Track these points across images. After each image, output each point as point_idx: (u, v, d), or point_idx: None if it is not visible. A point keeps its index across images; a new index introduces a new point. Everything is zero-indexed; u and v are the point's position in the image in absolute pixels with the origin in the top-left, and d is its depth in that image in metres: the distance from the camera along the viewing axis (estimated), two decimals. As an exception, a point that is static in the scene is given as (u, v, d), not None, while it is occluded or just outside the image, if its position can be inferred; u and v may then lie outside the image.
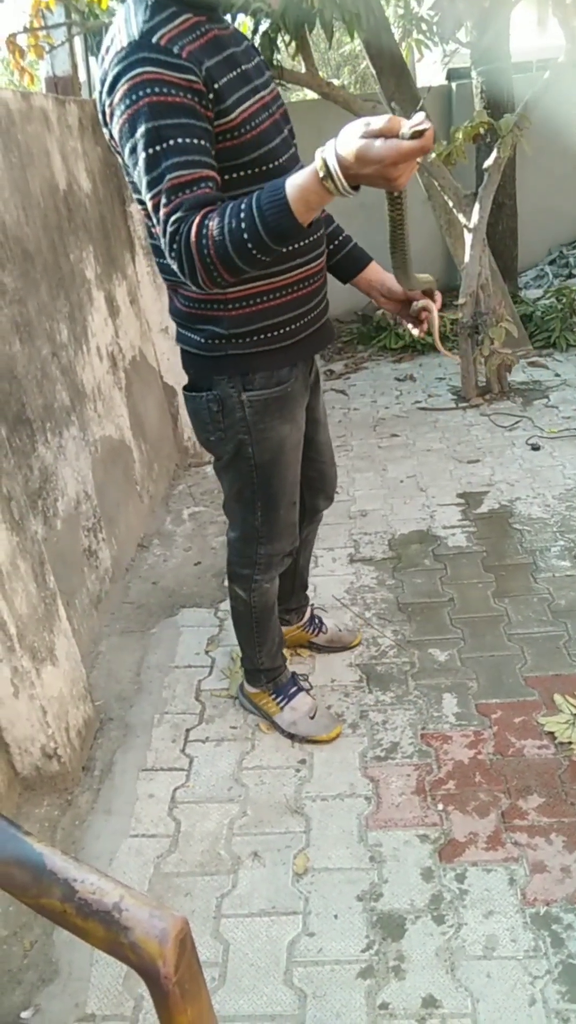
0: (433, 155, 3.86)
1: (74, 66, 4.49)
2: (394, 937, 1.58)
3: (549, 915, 1.59)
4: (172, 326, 3.83)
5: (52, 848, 0.96)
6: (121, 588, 2.95)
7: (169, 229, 1.32)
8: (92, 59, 5.70)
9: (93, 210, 3.13)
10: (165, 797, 1.98)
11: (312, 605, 2.48)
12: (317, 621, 2.44)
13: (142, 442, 3.45)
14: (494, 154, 3.90)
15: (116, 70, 1.35)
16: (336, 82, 4.43)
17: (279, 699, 2.15)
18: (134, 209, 3.60)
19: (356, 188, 1.19)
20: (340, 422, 4.45)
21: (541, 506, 3.21)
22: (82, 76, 5.06)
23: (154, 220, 1.37)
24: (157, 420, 3.76)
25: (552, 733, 2.03)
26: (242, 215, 1.24)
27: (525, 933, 1.56)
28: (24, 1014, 1.50)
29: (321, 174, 1.17)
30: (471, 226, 4.12)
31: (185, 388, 1.76)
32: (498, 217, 5.46)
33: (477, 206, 4.08)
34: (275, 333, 1.62)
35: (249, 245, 1.26)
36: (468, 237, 4.17)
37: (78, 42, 4.98)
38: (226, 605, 2.78)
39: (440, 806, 1.87)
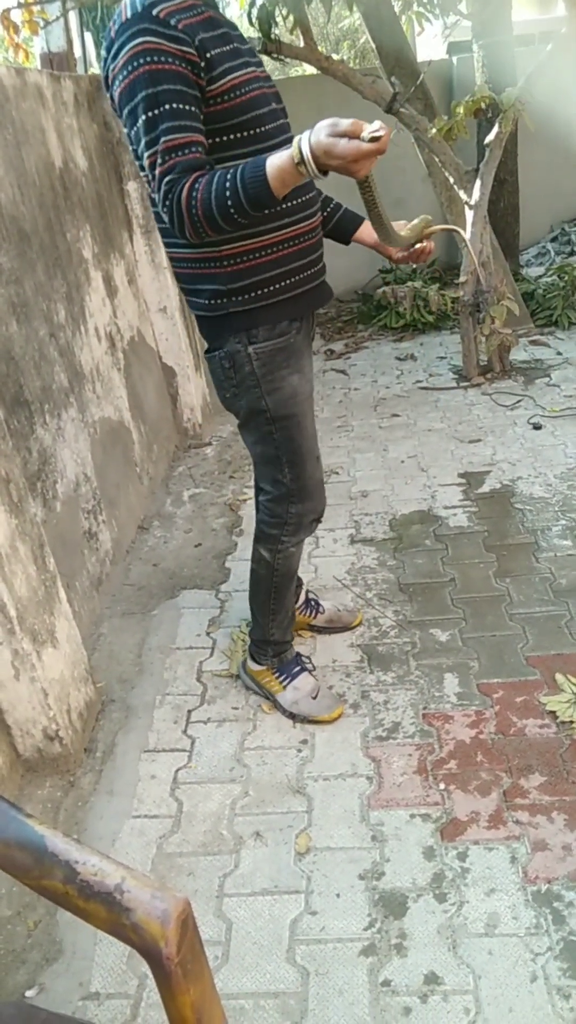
0: (434, 130, 3.81)
1: (69, 42, 4.43)
2: (396, 915, 1.59)
3: (550, 893, 1.59)
4: (170, 306, 3.82)
5: (53, 830, 0.96)
6: (122, 570, 2.95)
7: (164, 187, 1.51)
8: (87, 34, 5.63)
9: (90, 188, 3.10)
10: (167, 778, 1.99)
11: (307, 588, 2.47)
12: (313, 603, 2.44)
13: (141, 423, 3.44)
14: (495, 129, 3.85)
15: (120, 39, 1.53)
16: (335, 57, 4.36)
17: (282, 678, 2.16)
18: (131, 187, 3.57)
19: (325, 173, 1.40)
20: (340, 402, 4.43)
21: (543, 485, 3.20)
22: (77, 52, 5.00)
23: (150, 175, 1.55)
24: (156, 401, 3.74)
25: (554, 712, 2.03)
26: (227, 184, 1.45)
27: (526, 911, 1.56)
28: (29, 993, 1.51)
29: (296, 159, 1.39)
30: (472, 203, 4.08)
31: (205, 352, 1.91)
32: (499, 194, 5.40)
33: (478, 182, 4.03)
34: (271, 288, 1.74)
35: (231, 209, 1.47)
36: (469, 214, 4.12)
37: (73, 17, 4.91)
38: (227, 586, 2.78)
39: (442, 785, 1.87)
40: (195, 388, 4.02)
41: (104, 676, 2.38)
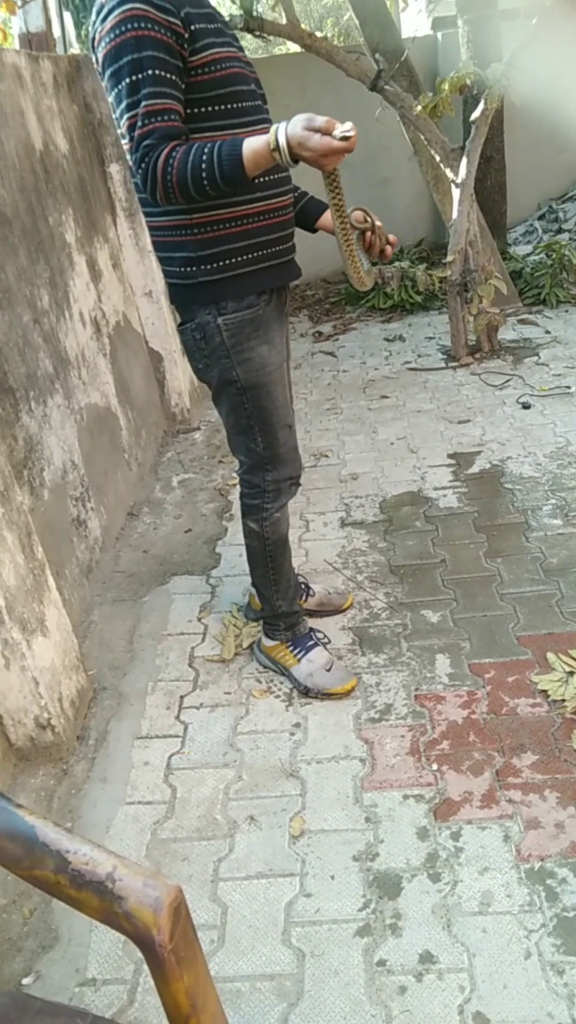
0: (419, 107, 3.77)
1: (48, 21, 4.35)
2: (390, 896, 1.60)
3: (543, 870, 1.60)
4: (156, 290, 3.78)
5: (44, 820, 0.95)
6: (111, 557, 2.94)
7: (141, 151, 1.58)
8: (66, 14, 5.54)
9: (71, 171, 3.05)
10: (160, 764, 1.99)
11: (297, 572, 2.47)
12: (303, 586, 2.44)
13: (128, 409, 3.41)
14: (481, 106, 3.82)
15: (111, 2, 1.57)
16: (318, 34, 4.30)
17: (296, 651, 2.19)
18: (114, 170, 3.52)
19: (296, 162, 1.51)
20: (329, 384, 4.41)
21: (532, 465, 3.20)
22: (56, 32, 4.92)
23: (127, 137, 1.61)
24: (143, 386, 3.71)
25: (545, 691, 2.04)
26: (203, 157, 1.54)
27: (520, 888, 1.57)
28: (25, 981, 1.51)
29: (272, 146, 1.50)
30: (459, 181, 4.05)
31: (178, 326, 1.98)
32: (486, 172, 5.36)
33: (465, 160, 4.00)
34: (238, 259, 1.79)
35: (204, 182, 1.56)
36: (456, 192, 4.10)
37: (51, -4, 4.82)
38: (217, 571, 2.77)
39: (434, 766, 1.87)
40: (182, 373, 3.99)
41: (95, 663, 2.38)
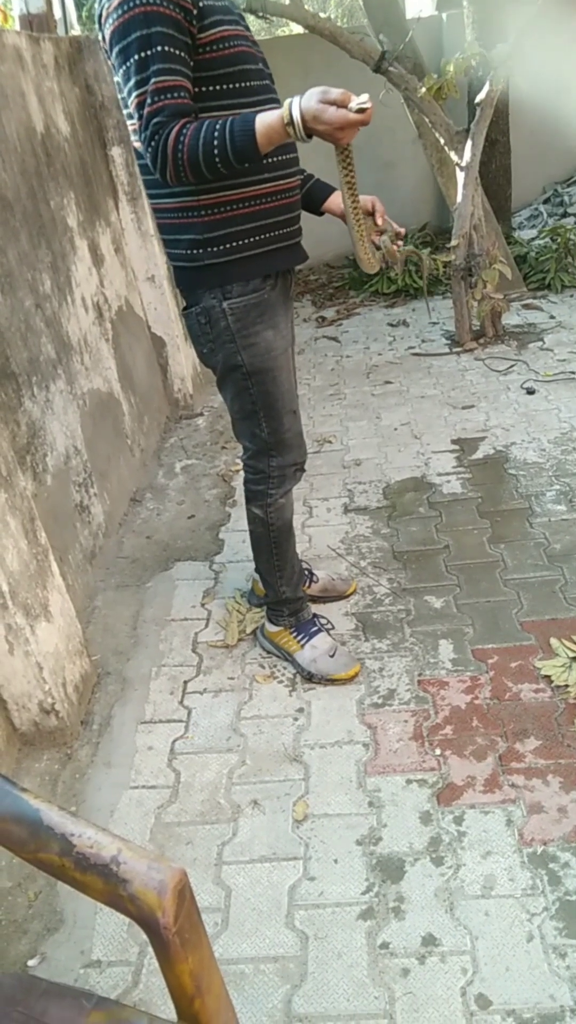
0: (423, 90, 3.74)
1: (49, 3, 4.31)
2: (393, 879, 1.60)
3: (546, 854, 1.61)
4: (158, 274, 3.76)
5: (49, 803, 0.96)
6: (115, 543, 2.94)
7: (151, 128, 1.55)
8: (67, -5, 5.48)
9: (73, 154, 3.03)
10: (164, 749, 1.99)
11: (301, 558, 2.47)
12: (307, 573, 2.43)
13: (131, 394, 3.40)
14: (486, 88, 3.77)
15: None
16: (322, 15, 4.26)
17: (300, 637, 2.19)
18: (116, 153, 3.49)
19: (310, 137, 1.49)
20: (333, 370, 4.39)
21: (536, 450, 3.19)
22: (57, 13, 4.87)
23: (136, 115, 1.58)
24: (146, 372, 3.70)
25: (548, 676, 2.04)
26: (216, 133, 1.52)
27: (523, 872, 1.58)
28: (31, 963, 1.53)
29: (285, 120, 1.47)
30: (463, 164, 4.01)
31: (182, 310, 1.95)
32: (491, 155, 5.31)
33: (469, 143, 3.96)
34: (245, 241, 1.77)
35: (216, 159, 1.54)
36: (460, 176, 4.06)
37: (52, -23, 4.77)
38: (221, 557, 2.77)
39: (438, 751, 1.88)
40: (185, 358, 3.98)
41: (99, 649, 2.38)
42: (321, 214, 2.03)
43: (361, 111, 1.42)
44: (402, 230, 1.90)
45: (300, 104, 1.46)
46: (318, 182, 1.99)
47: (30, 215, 2.52)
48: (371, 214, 1.86)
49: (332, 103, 1.43)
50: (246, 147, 1.52)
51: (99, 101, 3.37)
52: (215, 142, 1.52)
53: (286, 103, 1.48)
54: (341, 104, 1.43)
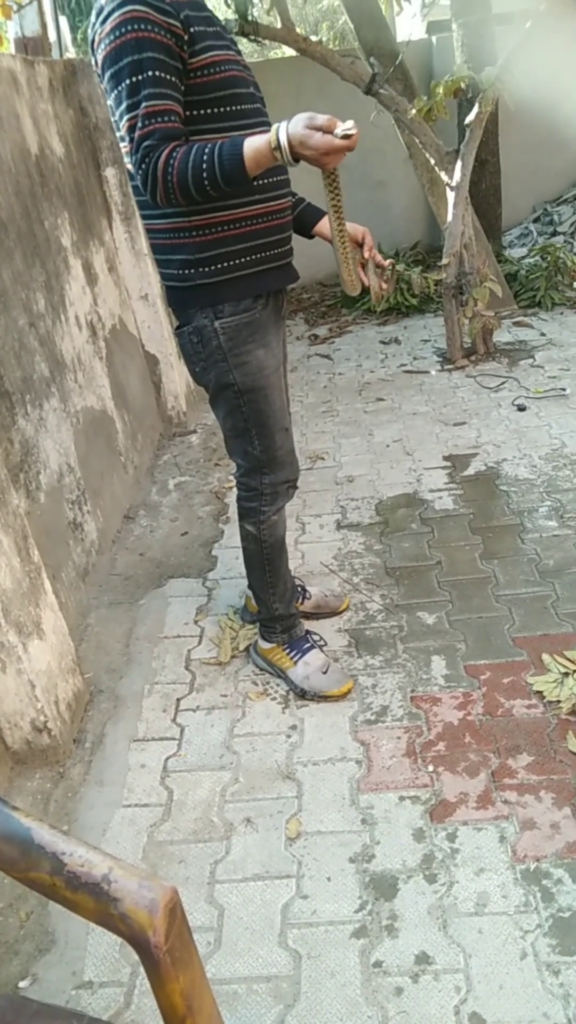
0: (414, 111, 3.79)
1: (43, 26, 4.35)
2: (387, 897, 1.60)
3: (539, 871, 1.61)
4: (152, 293, 3.79)
5: (39, 822, 0.95)
6: (108, 560, 2.94)
7: (141, 151, 1.58)
8: (62, 18, 5.55)
9: (67, 175, 3.06)
10: (157, 767, 1.99)
11: (293, 575, 2.48)
12: (300, 589, 2.44)
13: (125, 412, 3.42)
14: (476, 109, 3.83)
15: (110, 4, 1.58)
16: (313, 38, 4.32)
17: (292, 653, 2.19)
18: (109, 174, 3.53)
19: (297, 161, 1.52)
20: (325, 387, 4.42)
21: (528, 467, 3.20)
22: (52, 36, 4.92)
23: (127, 138, 1.61)
24: (139, 389, 3.71)
25: (541, 692, 2.05)
26: (204, 157, 1.55)
27: (516, 889, 1.58)
28: (22, 984, 1.51)
29: (273, 144, 1.50)
30: (454, 184, 4.06)
31: (175, 329, 1.97)
32: (481, 175, 5.38)
33: (459, 163, 4.01)
34: (236, 262, 1.79)
35: (205, 182, 1.56)
36: (451, 195, 4.11)
37: (47, 1, 4.83)
38: (214, 574, 2.77)
39: (431, 767, 1.88)
40: (179, 376, 4.00)
41: (92, 666, 2.38)
42: (311, 237, 2.05)
43: (346, 137, 1.45)
44: (386, 263, 1.93)
45: (287, 129, 1.49)
46: (309, 206, 2.02)
47: (24, 235, 2.54)
48: (360, 244, 1.89)
49: (318, 129, 1.46)
50: (234, 171, 1.54)
51: (93, 122, 3.41)
52: (204, 165, 1.54)
53: (273, 128, 1.51)
54: (327, 130, 1.46)
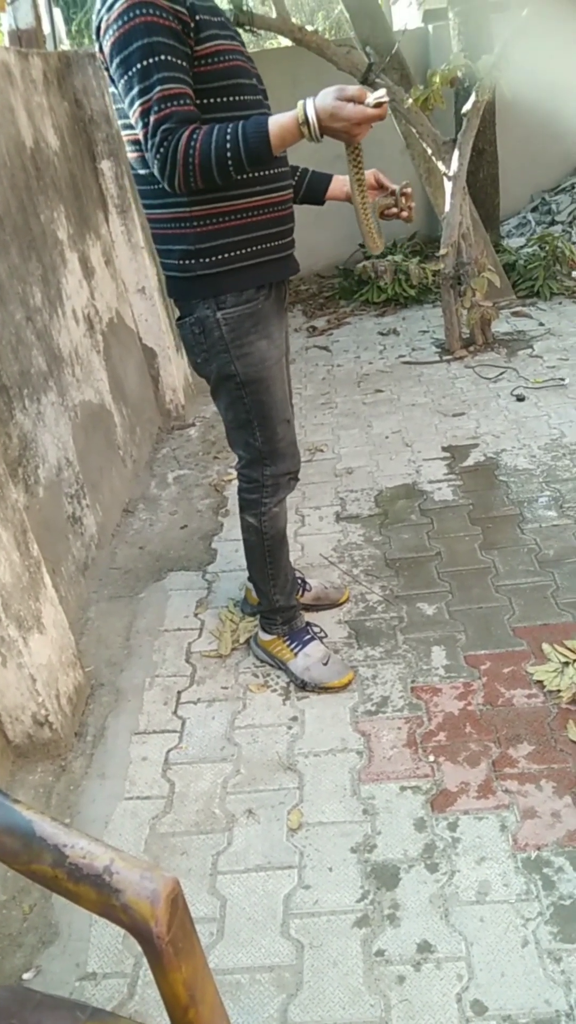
0: (410, 100, 3.77)
1: (38, 18, 4.33)
2: (388, 886, 1.61)
3: (540, 859, 1.61)
4: (149, 286, 3.78)
5: (41, 814, 0.96)
6: (108, 554, 2.94)
7: (160, 134, 1.55)
8: (56, 11, 5.52)
9: (62, 168, 3.05)
10: (158, 759, 1.99)
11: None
12: (300, 581, 2.44)
13: (123, 406, 3.41)
14: (472, 98, 3.81)
15: None
16: (309, 28, 4.29)
17: (293, 645, 2.19)
18: (105, 166, 3.51)
19: (322, 137, 1.52)
20: (324, 379, 4.41)
21: (527, 457, 3.20)
22: (46, 28, 4.90)
23: (141, 123, 1.57)
24: (137, 383, 3.71)
25: (541, 682, 2.05)
26: (228, 136, 1.53)
27: (517, 877, 1.58)
28: (26, 976, 1.52)
29: (300, 120, 1.50)
30: (451, 174, 4.04)
31: (176, 320, 1.95)
32: (478, 164, 5.35)
33: (456, 153, 4.00)
34: (237, 252, 1.78)
35: (229, 162, 1.54)
36: (448, 185, 4.09)
37: (41, -8, 4.80)
38: (214, 567, 2.78)
39: (431, 757, 1.88)
40: (176, 369, 3.99)
41: (93, 660, 2.38)
42: (324, 203, 2.03)
43: (378, 106, 1.45)
44: (409, 189, 1.90)
45: (315, 103, 1.48)
46: (316, 173, 2.00)
47: (20, 229, 2.53)
48: (377, 188, 1.89)
49: (349, 99, 1.46)
50: (260, 148, 1.53)
51: (88, 115, 3.40)
52: (228, 144, 1.53)
53: (299, 104, 1.50)
54: (358, 100, 1.46)
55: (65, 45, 5.39)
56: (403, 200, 1.89)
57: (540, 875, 1.58)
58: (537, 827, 1.68)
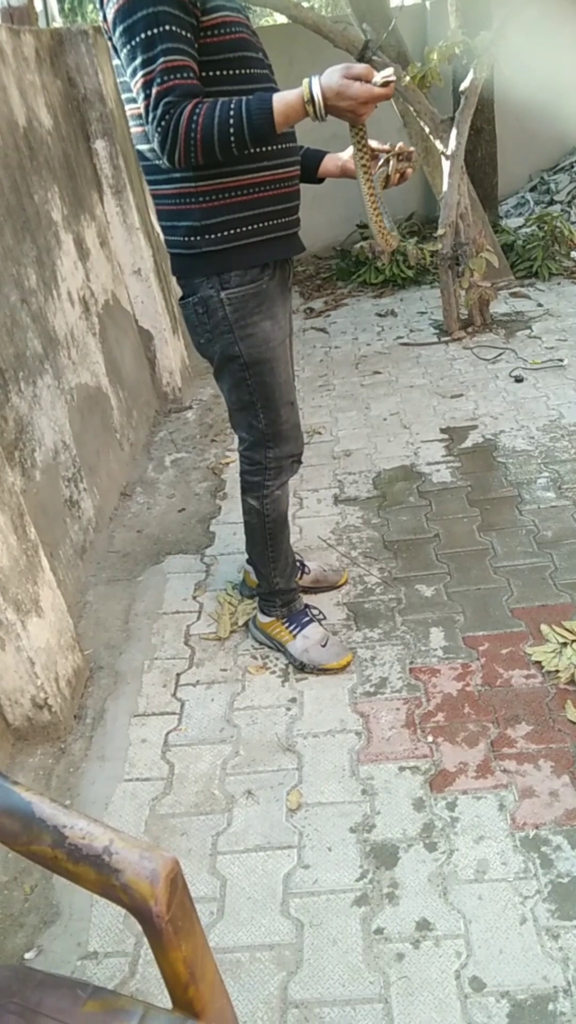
0: (407, 78, 3.73)
1: (30, -5, 4.28)
2: (387, 866, 1.61)
3: (538, 837, 1.62)
4: (145, 268, 3.75)
5: (40, 796, 0.96)
6: (105, 537, 2.93)
7: (161, 107, 1.51)
8: (48, -13, 5.44)
9: (56, 148, 3.01)
10: (158, 741, 2.00)
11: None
12: (299, 563, 2.44)
13: (119, 389, 3.39)
14: (470, 76, 3.77)
15: None
16: (305, 4, 4.24)
17: (292, 627, 2.19)
18: (99, 146, 3.47)
19: (327, 116, 1.50)
20: (321, 361, 4.39)
21: (525, 438, 3.19)
22: (38, 5, 4.83)
23: (143, 95, 1.53)
24: (134, 366, 3.69)
25: (539, 662, 2.05)
26: (231, 111, 1.50)
27: (515, 856, 1.59)
28: (28, 955, 1.53)
29: (305, 98, 1.48)
30: (449, 153, 4.00)
31: (179, 300, 1.93)
32: (476, 143, 5.31)
33: (454, 132, 3.96)
34: (243, 229, 1.75)
35: (232, 138, 1.52)
36: (446, 165, 4.05)
37: (33, -31, 4.73)
38: (212, 550, 2.77)
39: (430, 738, 1.89)
40: (173, 351, 3.97)
41: (91, 643, 2.38)
42: (320, 181, 1.98)
43: (385, 84, 1.43)
44: (411, 149, 1.79)
45: (320, 81, 1.46)
46: (308, 150, 1.95)
47: (14, 209, 2.51)
48: (394, 155, 1.77)
49: (356, 78, 1.44)
50: (263, 125, 1.50)
51: (82, 94, 3.36)
52: (231, 120, 1.49)
53: (304, 82, 1.47)
54: (366, 79, 1.44)
55: (58, 22, 5.32)
56: (399, 162, 1.77)
57: (538, 853, 1.59)
58: (535, 806, 1.69)
